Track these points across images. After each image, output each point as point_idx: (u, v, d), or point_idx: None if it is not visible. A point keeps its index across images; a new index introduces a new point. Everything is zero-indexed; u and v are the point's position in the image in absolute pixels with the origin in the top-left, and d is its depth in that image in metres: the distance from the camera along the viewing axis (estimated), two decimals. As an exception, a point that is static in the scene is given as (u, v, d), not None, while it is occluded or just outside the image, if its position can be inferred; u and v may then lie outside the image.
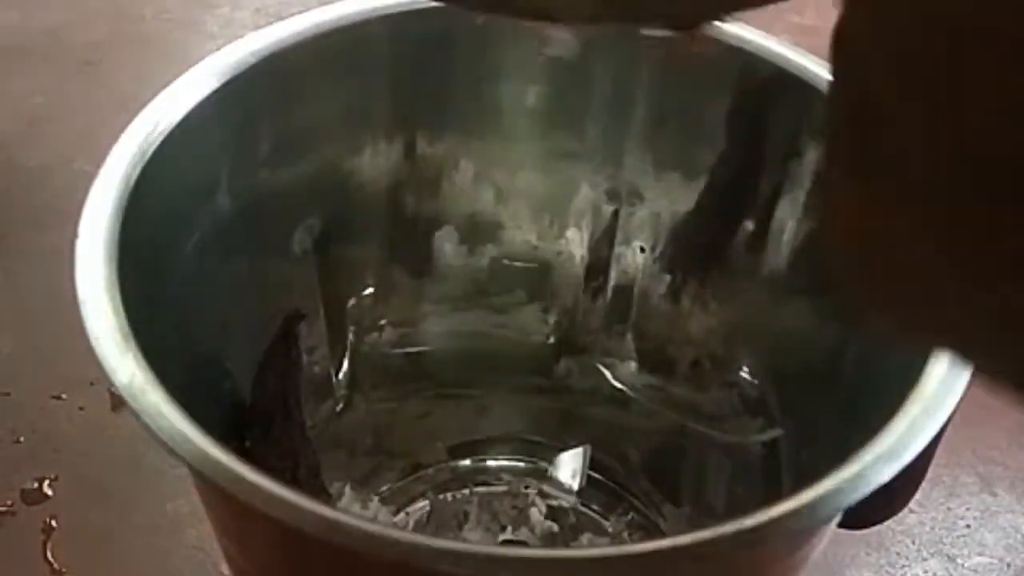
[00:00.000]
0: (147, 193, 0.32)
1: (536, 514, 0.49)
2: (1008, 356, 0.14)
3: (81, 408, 0.55)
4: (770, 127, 0.39)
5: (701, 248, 0.44)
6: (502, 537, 0.48)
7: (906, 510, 0.47)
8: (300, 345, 0.44)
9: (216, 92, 0.35)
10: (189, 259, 0.35)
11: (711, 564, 0.23)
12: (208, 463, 0.25)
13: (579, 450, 0.51)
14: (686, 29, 0.19)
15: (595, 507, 0.50)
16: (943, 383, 0.27)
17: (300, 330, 0.43)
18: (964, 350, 0.16)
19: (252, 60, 0.36)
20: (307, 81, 0.38)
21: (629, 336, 0.48)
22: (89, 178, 0.31)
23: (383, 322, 0.47)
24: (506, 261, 0.47)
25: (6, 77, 0.75)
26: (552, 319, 0.49)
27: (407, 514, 0.50)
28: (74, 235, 0.29)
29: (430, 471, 0.51)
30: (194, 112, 0.34)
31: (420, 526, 0.49)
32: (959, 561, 0.51)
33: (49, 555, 0.49)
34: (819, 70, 0.37)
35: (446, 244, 0.46)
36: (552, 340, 0.49)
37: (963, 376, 0.27)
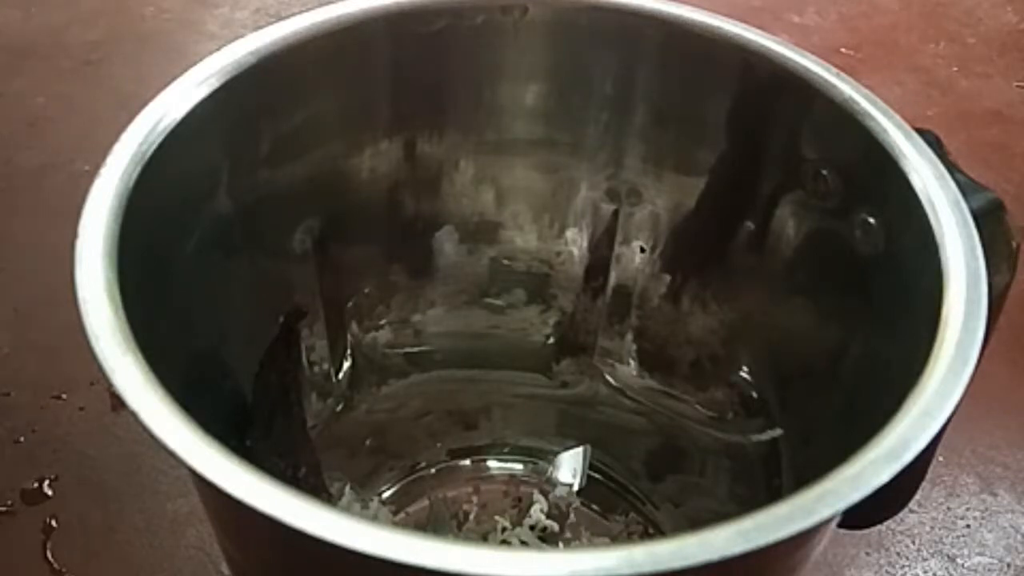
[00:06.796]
0: (147, 193, 0.31)
1: (536, 514, 0.49)
2: None
3: (81, 408, 0.55)
4: (770, 127, 0.39)
5: (701, 248, 0.44)
6: (501, 537, 0.48)
7: (906, 510, 0.47)
8: (301, 344, 0.44)
9: (216, 92, 0.35)
10: (189, 259, 0.35)
11: (711, 564, 0.23)
12: (208, 463, 0.25)
13: (579, 450, 0.51)
14: None
15: (595, 507, 0.50)
16: (943, 383, 0.27)
17: (301, 329, 0.43)
18: None
19: (252, 60, 0.36)
20: (307, 81, 0.38)
21: (629, 336, 0.48)
22: (89, 178, 0.31)
23: (383, 322, 0.47)
24: (506, 261, 0.47)
25: (6, 77, 0.75)
26: (552, 319, 0.49)
27: (407, 514, 0.50)
28: (74, 235, 0.29)
29: (430, 471, 0.51)
30: (194, 112, 0.34)
31: (420, 526, 0.49)
32: (959, 561, 0.51)
33: (49, 555, 0.49)
34: (819, 70, 0.37)
35: (446, 244, 0.46)
36: (552, 340, 0.49)
37: (963, 376, 0.27)
